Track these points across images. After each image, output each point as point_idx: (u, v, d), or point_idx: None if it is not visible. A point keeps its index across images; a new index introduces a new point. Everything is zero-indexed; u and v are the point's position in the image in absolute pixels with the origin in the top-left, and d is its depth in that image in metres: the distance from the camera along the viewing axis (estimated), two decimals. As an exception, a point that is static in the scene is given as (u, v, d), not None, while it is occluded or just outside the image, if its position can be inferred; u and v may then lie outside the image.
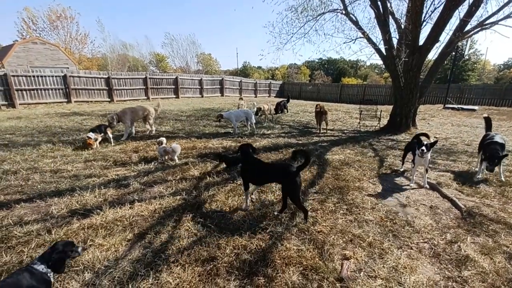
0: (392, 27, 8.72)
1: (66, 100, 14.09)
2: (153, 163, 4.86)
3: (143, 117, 6.95)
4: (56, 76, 13.65)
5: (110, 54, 34.15)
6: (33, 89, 12.98)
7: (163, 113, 11.28)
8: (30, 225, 2.80)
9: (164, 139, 5.06)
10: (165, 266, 2.26)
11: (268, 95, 27.45)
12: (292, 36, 10.44)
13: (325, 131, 8.06)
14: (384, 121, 8.97)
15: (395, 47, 7.90)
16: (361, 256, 2.44)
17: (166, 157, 4.97)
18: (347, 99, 23.74)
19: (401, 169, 4.75)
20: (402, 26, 8.69)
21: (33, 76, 12.92)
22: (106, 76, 15.65)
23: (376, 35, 9.24)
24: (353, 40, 9.59)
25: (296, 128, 8.78)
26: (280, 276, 2.16)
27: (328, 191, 3.79)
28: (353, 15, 9.27)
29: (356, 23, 9.15)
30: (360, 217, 3.13)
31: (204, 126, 8.59)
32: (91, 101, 14.88)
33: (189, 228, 2.82)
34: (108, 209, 3.15)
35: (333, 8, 9.79)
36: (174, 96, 19.16)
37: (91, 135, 5.58)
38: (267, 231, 2.78)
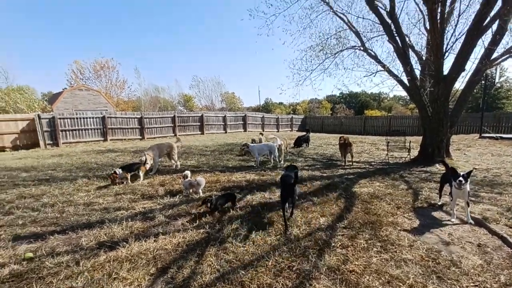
0: (413, 59, 8.77)
1: (103, 138, 15.31)
2: (178, 196, 4.94)
3: (167, 153, 7.23)
4: (95, 117, 15.07)
5: (144, 97, 37.49)
6: (75, 130, 14.34)
7: (189, 148, 11.73)
8: (61, 256, 2.88)
9: (189, 173, 5.19)
10: (187, 304, 2.15)
11: (290, 129, 27.73)
12: (311, 73, 10.81)
13: (350, 163, 7.80)
14: (414, 152, 8.53)
15: (418, 78, 7.82)
16: (401, 301, 2.16)
17: (191, 190, 5.05)
18: (371, 131, 23.20)
19: (439, 203, 4.36)
20: (423, 58, 8.71)
21: (76, 118, 14.37)
22: (139, 116, 16.97)
23: (397, 67, 9.25)
24: (373, 73, 9.70)
25: (319, 161, 8.61)
26: (309, 320, 1.96)
27: (358, 226, 3.53)
28: (372, 50, 9.51)
29: (375, 57, 9.33)
30: (397, 255, 2.84)
31: (228, 160, 8.73)
32: (124, 139, 15.99)
33: (212, 263, 2.73)
34: (133, 241, 3.18)
35: (351, 46, 10.18)
36: (200, 132, 20.04)
37: (118, 171, 5.78)
38: (294, 269, 2.60)
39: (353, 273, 2.54)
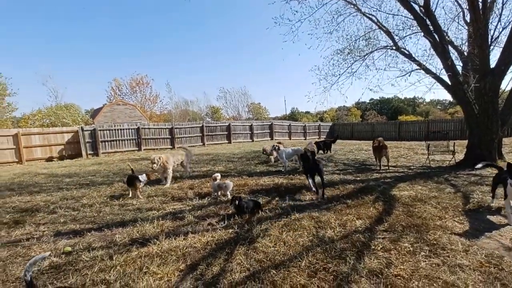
0: (453, 54, 8.11)
1: (137, 148, 16.18)
2: (206, 198, 4.94)
3: (181, 161, 7.01)
4: (131, 129, 16.03)
5: (174, 110, 39.38)
6: (113, 140, 15.35)
7: (216, 156, 11.90)
8: (96, 251, 2.95)
9: (219, 175, 5.19)
10: (217, 301, 2.05)
11: (318, 137, 27.08)
12: (338, 78, 10.44)
13: (386, 167, 7.29)
14: (459, 156, 7.74)
15: (461, 73, 7.19)
16: (461, 311, 1.85)
17: (219, 193, 5.02)
18: (407, 136, 21.72)
19: (492, 204, 3.84)
20: (465, 53, 8.02)
21: (114, 130, 15.41)
22: (170, 127, 17.74)
23: (435, 64, 8.63)
24: (408, 73, 9.14)
25: (351, 166, 8.17)
26: (351, 325, 1.74)
27: (401, 229, 3.19)
28: (405, 49, 9.01)
29: (409, 56, 8.82)
30: (450, 260, 2.48)
31: (255, 165, 8.65)
32: (156, 149, 16.75)
33: (241, 262, 2.60)
34: (164, 239, 3.17)
35: (382, 46, 9.73)
36: (227, 141, 20.35)
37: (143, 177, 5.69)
38: (330, 270, 2.38)
39: (399, 277, 2.25)
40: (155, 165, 5.84)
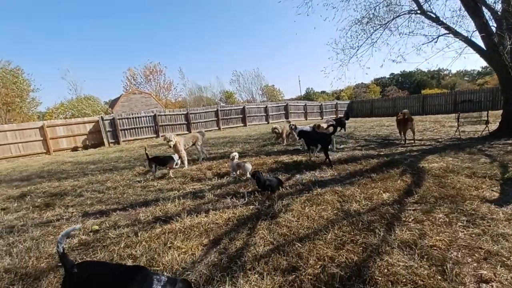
0: (486, 14, 7.31)
1: (155, 135, 16.51)
2: (225, 177, 4.92)
3: (193, 143, 6.98)
4: (148, 116, 16.31)
5: (189, 96, 39.51)
6: (132, 128, 15.73)
7: (233, 139, 11.86)
8: (122, 229, 3.02)
9: (236, 154, 5.12)
10: (242, 273, 2.01)
11: (335, 116, 26.30)
12: (357, 50, 9.80)
13: (412, 141, 6.90)
14: (493, 127, 7.16)
15: (495, 34, 6.48)
16: (507, 279, 1.68)
17: (238, 172, 4.97)
18: (432, 110, 20.51)
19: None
20: (499, 12, 7.19)
21: (132, 118, 15.74)
22: (185, 112, 17.86)
23: (466, 26, 7.83)
24: (435, 38, 8.44)
25: (373, 141, 7.83)
26: (387, 296, 1.63)
27: (433, 201, 2.99)
28: (431, 12, 8.24)
29: (436, 19, 8.08)
30: (492, 230, 2.28)
31: (272, 145, 8.52)
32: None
33: (265, 236, 2.55)
34: (186, 216, 3.18)
35: (405, 11, 8.94)
36: (242, 124, 20.27)
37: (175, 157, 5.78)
38: (358, 242, 2.27)
39: (435, 248, 2.10)
40: (171, 142, 5.88)
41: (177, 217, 3.17)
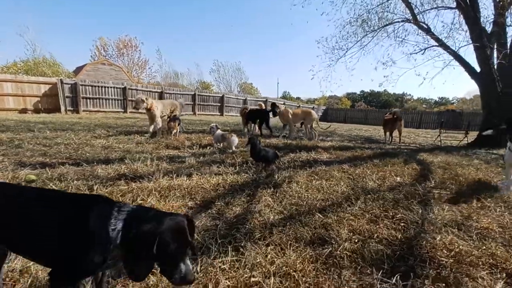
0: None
1: (123, 110, 14.90)
2: (208, 147, 4.22)
3: (171, 111, 6.15)
4: (117, 88, 14.68)
5: (163, 81, 37.23)
6: (96, 98, 13.99)
7: (210, 122, 11.04)
8: (70, 182, 2.20)
9: (216, 125, 4.48)
10: (249, 243, 1.39)
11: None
12: (346, 52, 9.69)
13: (397, 142, 6.81)
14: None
15: (488, 46, 6.65)
16: None
17: (221, 144, 4.31)
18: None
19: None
20: (488, 29, 7.48)
21: (98, 86, 14.02)
22: (160, 91, 16.48)
23: (454, 41, 8.04)
24: (422, 50, 8.64)
25: (358, 140, 7.65)
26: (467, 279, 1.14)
27: (455, 187, 2.64)
28: (424, 23, 8.38)
29: (427, 30, 8.22)
30: (539, 218, 1.95)
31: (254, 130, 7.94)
32: (144, 112, 15.55)
33: (271, 204, 1.96)
34: (161, 177, 2.46)
35: (399, 18, 8.97)
36: (219, 113, 19.36)
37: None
38: (396, 218, 1.78)
39: (491, 230, 1.69)
40: (144, 104, 4.98)
41: (150, 177, 2.43)
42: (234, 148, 4.23)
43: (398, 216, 1.79)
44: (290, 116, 6.50)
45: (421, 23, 8.46)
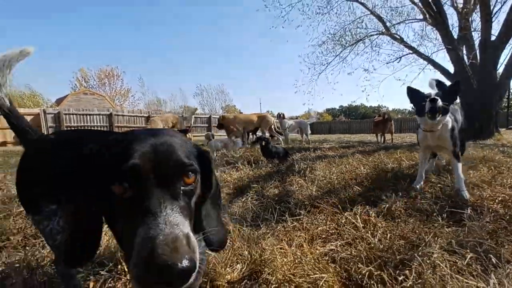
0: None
1: (108, 137, 14.55)
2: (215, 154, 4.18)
3: (172, 125, 6.39)
4: (102, 115, 14.40)
5: (147, 108, 37.06)
6: (80, 127, 13.61)
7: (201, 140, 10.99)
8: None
9: (212, 133, 4.52)
10: (302, 211, 1.37)
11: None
12: (326, 66, 10.26)
13: (389, 142, 7.04)
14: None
15: (459, 48, 7.29)
16: None
17: (224, 150, 4.30)
18: (383, 133, 22.64)
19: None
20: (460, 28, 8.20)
21: (82, 115, 13.70)
22: (147, 115, 16.34)
23: (424, 49, 8.81)
24: (397, 58, 9.32)
25: (351, 143, 7.85)
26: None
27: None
28: (397, 34, 9.12)
29: (401, 40, 8.91)
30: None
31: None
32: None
33: (306, 185, 1.94)
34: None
35: (374, 31, 9.71)
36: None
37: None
38: (432, 181, 1.82)
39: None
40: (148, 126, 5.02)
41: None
42: (238, 150, 4.23)
43: (433, 180, 1.83)
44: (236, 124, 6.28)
45: (394, 35, 9.18)
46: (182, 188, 0.51)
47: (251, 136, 6.90)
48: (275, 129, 6.72)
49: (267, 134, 6.36)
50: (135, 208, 0.46)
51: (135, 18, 54.71)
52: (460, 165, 1.67)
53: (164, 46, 58.56)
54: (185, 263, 0.39)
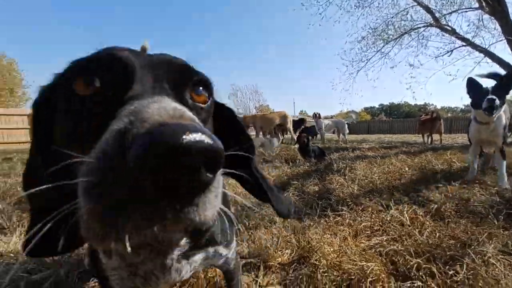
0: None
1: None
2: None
3: None
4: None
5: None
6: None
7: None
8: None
9: None
10: (345, 207, 1.39)
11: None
12: (366, 62, 9.76)
13: (437, 143, 6.42)
14: None
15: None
16: None
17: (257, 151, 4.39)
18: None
19: None
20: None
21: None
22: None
23: (480, 41, 7.90)
24: (448, 52, 8.53)
25: (393, 143, 7.42)
26: None
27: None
28: (448, 25, 8.33)
29: (453, 32, 8.14)
30: None
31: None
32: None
33: (344, 183, 1.95)
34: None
35: (421, 23, 8.99)
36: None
37: None
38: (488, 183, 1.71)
39: None
40: None
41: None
42: (274, 151, 4.30)
43: (489, 182, 1.72)
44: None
45: (445, 26, 8.41)
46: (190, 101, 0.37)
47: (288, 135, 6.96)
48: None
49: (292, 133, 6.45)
50: (105, 112, 0.29)
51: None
52: (505, 162, 1.66)
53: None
54: (202, 136, 0.21)
